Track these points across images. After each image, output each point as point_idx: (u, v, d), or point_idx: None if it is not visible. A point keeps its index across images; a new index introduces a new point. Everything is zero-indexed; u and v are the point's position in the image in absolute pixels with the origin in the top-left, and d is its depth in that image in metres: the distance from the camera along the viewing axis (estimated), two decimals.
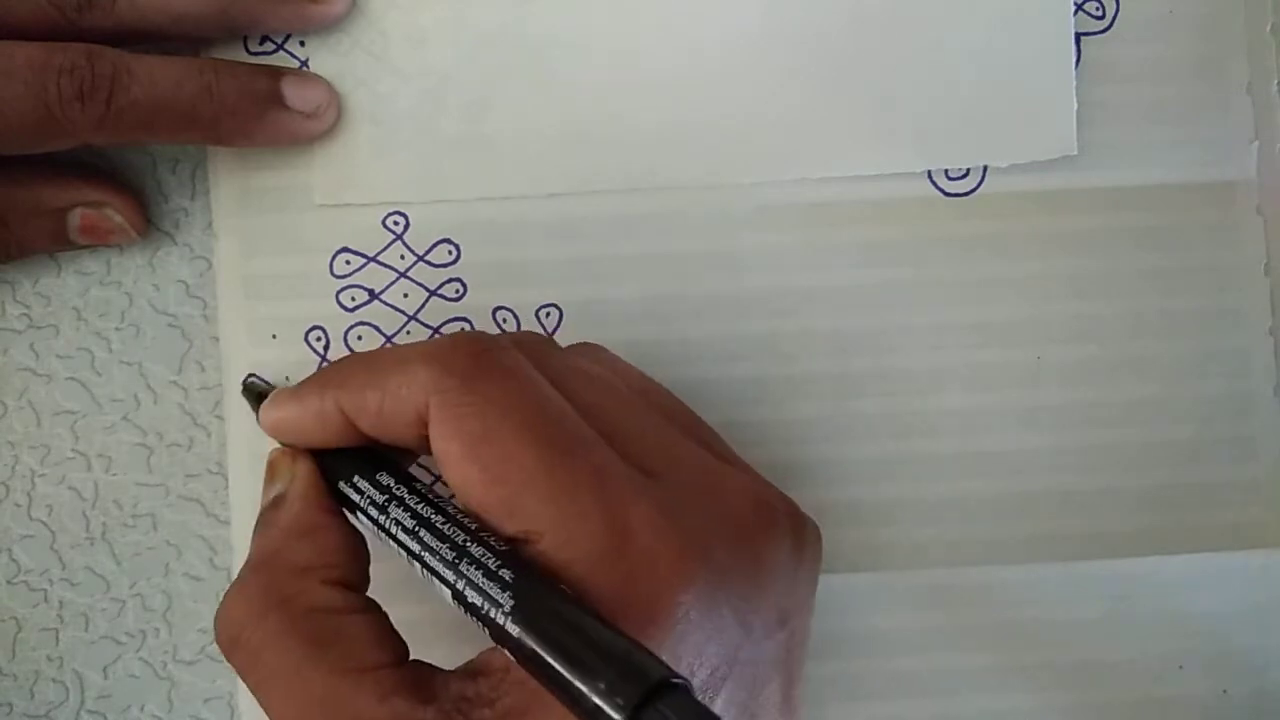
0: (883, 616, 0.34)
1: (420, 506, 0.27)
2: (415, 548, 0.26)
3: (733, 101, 0.34)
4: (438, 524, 0.26)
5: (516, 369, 0.27)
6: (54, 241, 0.33)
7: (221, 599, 0.27)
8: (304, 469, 0.28)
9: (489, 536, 0.25)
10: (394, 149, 0.34)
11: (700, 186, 0.34)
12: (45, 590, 0.34)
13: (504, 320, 0.34)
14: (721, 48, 0.34)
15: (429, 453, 0.27)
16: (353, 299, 0.34)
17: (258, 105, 0.32)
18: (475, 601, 0.25)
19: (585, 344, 0.31)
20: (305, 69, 0.33)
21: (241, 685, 0.33)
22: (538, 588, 0.24)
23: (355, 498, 0.28)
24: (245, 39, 0.33)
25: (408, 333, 0.34)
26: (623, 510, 0.25)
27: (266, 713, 0.26)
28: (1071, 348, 0.35)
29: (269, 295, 0.34)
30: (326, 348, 0.34)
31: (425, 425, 0.26)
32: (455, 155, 0.34)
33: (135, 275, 0.34)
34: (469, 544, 0.25)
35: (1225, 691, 0.35)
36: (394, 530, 0.27)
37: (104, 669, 0.34)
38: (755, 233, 0.34)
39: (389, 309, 0.34)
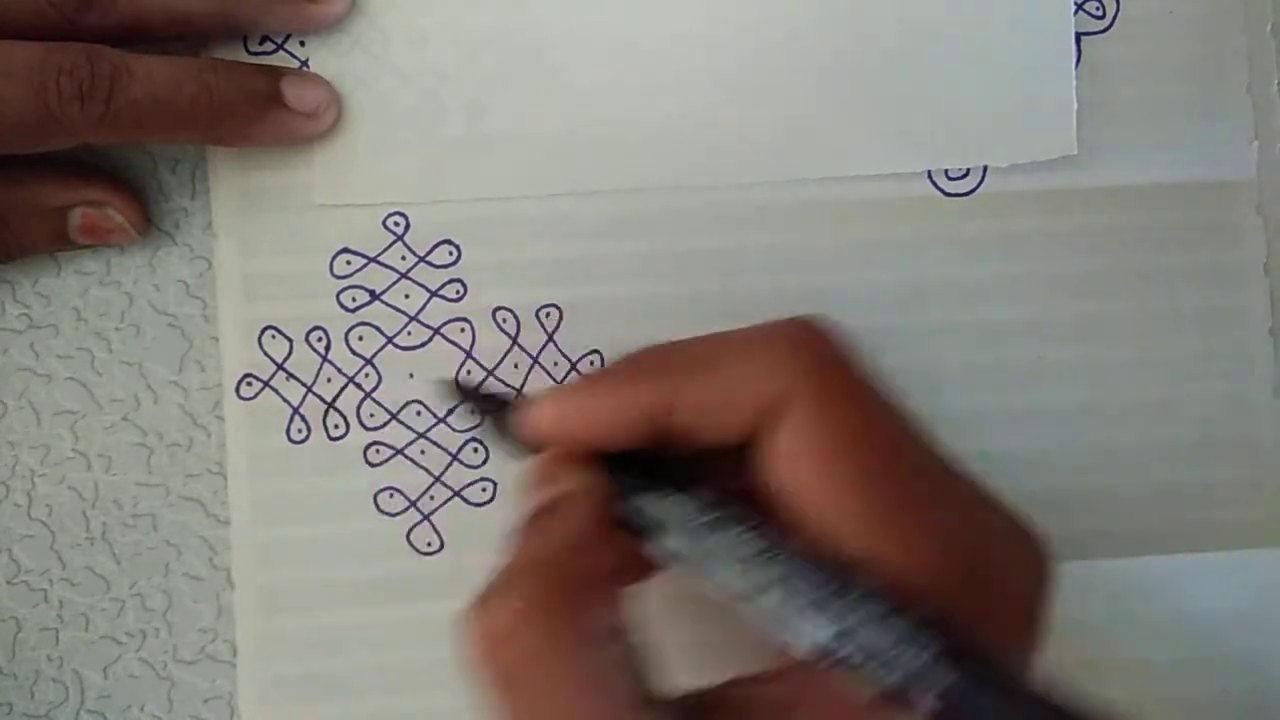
0: None
1: (757, 533, 0.23)
2: (771, 576, 0.23)
3: (732, 102, 0.34)
4: (803, 559, 0.23)
5: (870, 369, 0.25)
6: (54, 241, 0.33)
7: (475, 604, 0.24)
8: (587, 475, 0.25)
9: (881, 589, 0.23)
10: (394, 149, 0.34)
11: (700, 187, 0.34)
12: (45, 590, 0.34)
13: (504, 320, 0.34)
14: (721, 48, 0.34)
15: (722, 464, 0.25)
16: (353, 299, 0.34)
17: (257, 105, 0.32)
18: (859, 657, 0.22)
19: None
20: (305, 69, 0.33)
21: (242, 685, 0.33)
22: (975, 664, 0.22)
23: (659, 517, 0.25)
24: (245, 39, 0.33)
25: (408, 333, 0.34)
26: (981, 541, 0.24)
27: None
28: (1071, 348, 0.35)
29: (269, 295, 0.33)
30: (327, 348, 0.34)
31: (764, 418, 0.24)
32: (455, 156, 0.34)
33: (135, 275, 0.34)
34: (860, 595, 0.22)
35: (1225, 691, 0.35)
36: (743, 552, 0.23)
37: (104, 669, 0.33)
38: (755, 233, 0.34)
39: (389, 309, 0.34)
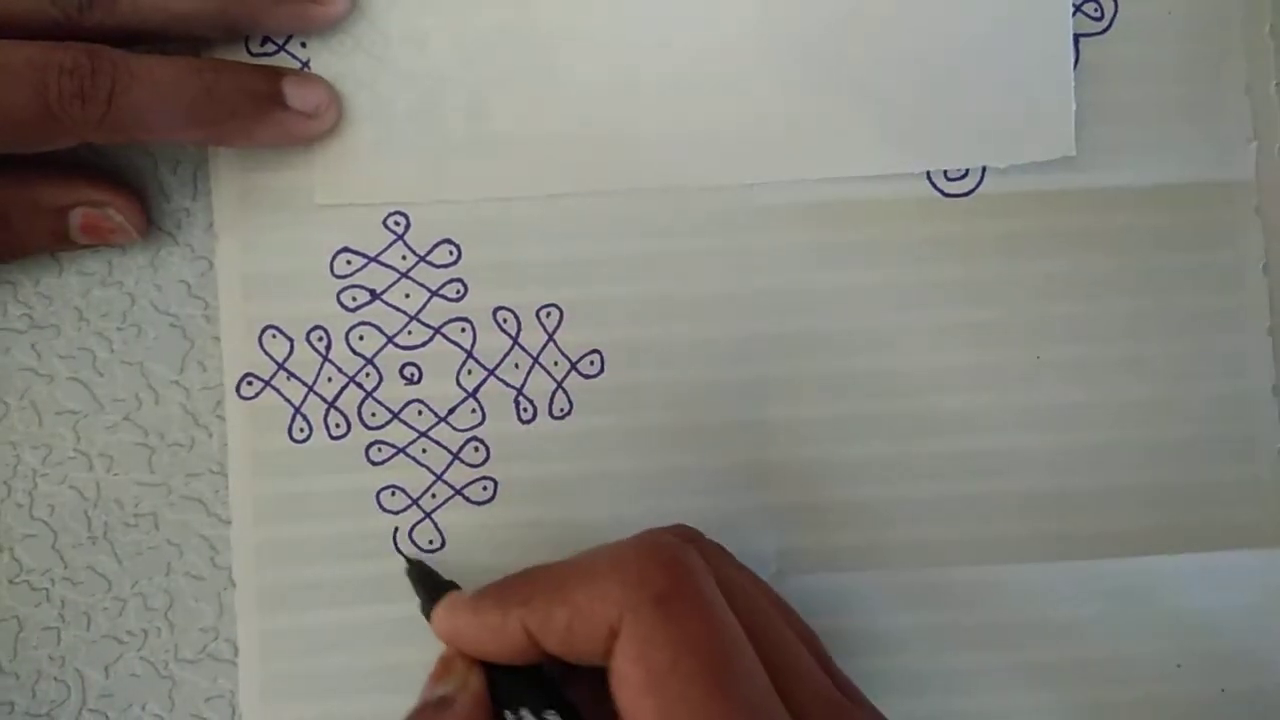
0: (882, 616, 0.34)
1: None
2: None
3: (732, 102, 0.34)
4: None
5: (711, 601, 0.26)
6: (55, 241, 0.33)
7: None
8: (475, 682, 0.28)
9: None
10: (395, 149, 0.34)
11: (700, 187, 0.34)
12: (47, 589, 0.34)
13: (504, 320, 0.34)
14: (721, 48, 0.34)
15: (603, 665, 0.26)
16: (354, 299, 0.34)
17: (258, 106, 0.32)
18: None
19: (719, 545, 0.31)
20: (306, 69, 0.34)
21: (243, 684, 0.33)
22: None
23: None
24: (246, 40, 0.33)
25: (409, 333, 0.34)
26: None
27: None
28: (1071, 348, 0.35)
29: (270, 295, 0.34)
30: (328, 348, 0.34)
31: (610, 643, 0.26)
32: (456, 156, 0.34)
33: (137, 275, 0.34)
34: None
35: (1223, 690, 0.35)
36: None
37: (105, 668, 0.34)
38: (755, 233, 0.34)
39: (390, 309, 0.34)
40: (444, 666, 0.29)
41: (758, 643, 0.26)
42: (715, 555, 0.29)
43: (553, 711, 0.27)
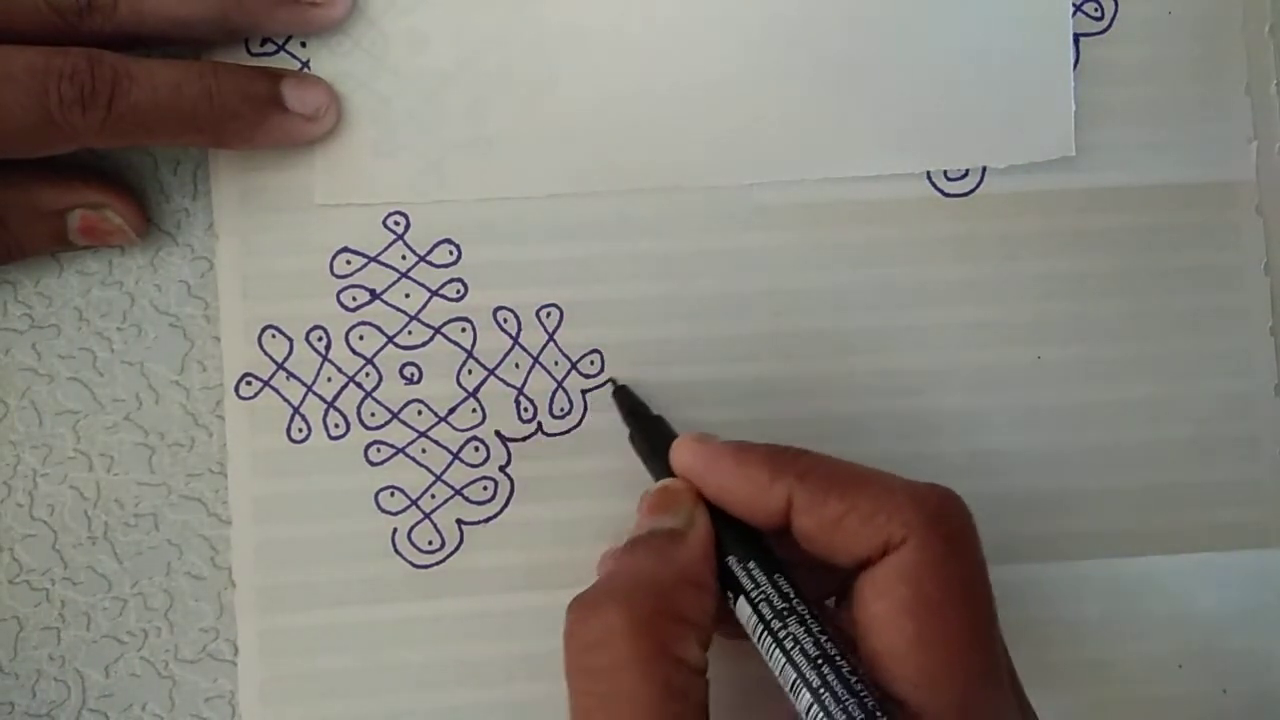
0: None
1: (821, 636, 0.26)
2: (813, 680, 0.26)
3: (731, 103, 0.34)
4: (838, 662, 0.26)
5: (985, 561, 0.27)
6: (54, 243, 0.33)
7: (596, 594, 0.26)
8: (704, 522, 0.28)
9: (893, 707, 0.25)
10: (395, 149, 0.34)
11: (700, 187, 0.34)
12: (47, 589, 0.34)
13: (504, 320, 0.34)
14: (720, 49, 0.34)
15: (807, 567, 0.27)
16: (354, 299, 0.34)
17: (258, 108, 0.32)
18: None
19: None
20: (306, 71, 0.34)
21: (243, 684, 0.33)
22: None
23: (748, 586, 0.27)
24: (246, 41, 0.33)
25: (409, 332, 0.34)
26: None
27: None
28: (1071, 348, 0.35)
29: (269, 295, 0.34)
30: (328, 347, 0.34)
31: (882, 556, 0.26)
32: (456, 156, 0.34)
33: (137, 275, 0.34)
34: (878, 712, 0.25)
35: (1225, 691, 0.35)
36: (789, 647, 0.26)
37: (105, 668, 0.34)
38: (755, 233, 0.34)
39: (390, 309, 0.34)
40: (668, 498, 0.28)
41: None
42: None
43: (783, 576, 0.27)
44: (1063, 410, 0.35)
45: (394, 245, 0.34)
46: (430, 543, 0.34)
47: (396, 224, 0.34)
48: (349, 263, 0.34)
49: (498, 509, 0.34)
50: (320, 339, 0.34)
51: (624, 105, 0.34)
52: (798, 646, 0.26)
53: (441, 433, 0.34)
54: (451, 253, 0.34)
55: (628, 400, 0.33)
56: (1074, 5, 0.35)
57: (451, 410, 0.34)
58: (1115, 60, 0.35)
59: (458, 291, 0.34)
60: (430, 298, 0.34)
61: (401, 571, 0.33)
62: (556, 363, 0.34)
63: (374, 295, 0.34)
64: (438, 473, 0.34)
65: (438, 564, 0.33)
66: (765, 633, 0.26)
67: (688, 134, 0.34)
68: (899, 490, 0.27)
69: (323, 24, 0.33)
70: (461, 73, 0.34)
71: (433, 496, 0.34)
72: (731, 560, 0.27)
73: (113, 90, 0.29)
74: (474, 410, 0.34)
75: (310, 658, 0.33)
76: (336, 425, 0.34)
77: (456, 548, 0.34)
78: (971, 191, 0.35)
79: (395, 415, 0.34)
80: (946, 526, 0.26)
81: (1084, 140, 0.35)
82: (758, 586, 0.27)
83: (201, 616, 0.34)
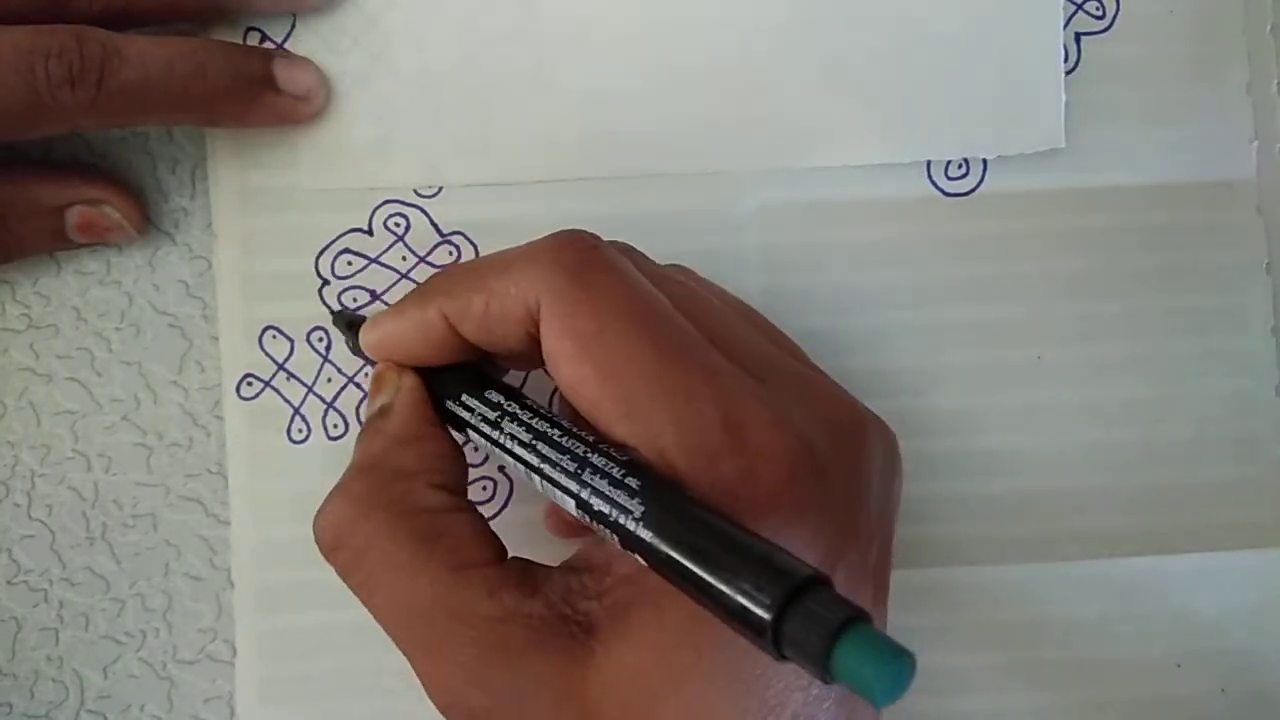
0: None
1: (534, 421, 0.27)
2: (534, 461, 0.26)
3: (724, 93, 0.34)
4: (555, 437, 0.26)
5: (625, 268, 0.27)
6: (53, 240, 0.33)
7: (324, 503, 0.27)
8: (410, 381, 0.29)
9: (608, 447, 0.25)
10: (394, 149, 0.34)
11: (695, 173, 0.34)
12: (45, 590, 0.34)
13: None
14: (717, 42, 0.34)
15: (533, 365, 0.27)
16: (354, 299, 0.34)
17: (250, 87, 0.32)
18: (603, 510, 0.24)
19: (676, 265, 0.31)
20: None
21: (241, 685, 0.33)
22: (665, 493, 0.24)
23: (466, 415, 0.28)
24: (244, 35, 0.33)
25: None
26: (736, 409, 0.25)
27: (372, 612, 0.27)
28: (1071, 348, 0.35)
29: (269, 295, 0.33)
30: (328, 348, 0.34)
31: (535, 325, 0.26)
32: (456, 155, 0.34)
33: (135, 275, 0.34)
34: (590, 454, 0.25)
35: (1224, 690, 0.35)
36: (510, 445, 0.27)
37: (104, 669, 0.33)
38: (755, 233, 0.34)
39: None
40: (377, 382, 0.29)
41: (687, 314, 0.27)
42: (633, 252, 0.30)
43: (493, 390, 0.28)
44: (1063, 410, 0.35)
45: (394, 246, 0.34)
46: None
47: (396, 224, 0.34)
48: (349, 263, 0.34)
49: (497, 509, 0.34)
50: (321, 339, 0.34)
51: (622, 101, 0.34)
52: (515, 441, 0.27)
53: None
54: (451, 253, 0.34)
55: (345, 318, 0.32)
56: (1075, 4, 0.35)
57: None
58: (1117, 59, 0.35)
59: None
60: None
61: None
62: None
63: (374, 296, 0.34)
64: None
65: None
66: (492, 445, 0.27)
67: (684, 125, 0.34)
68: (519, 257, 0.27)
69: (312, 4, 0.33)
70: (461, 71, 0.34)
71: None
72: (449, 403, 0.28)
73: (102, 68, 0.29)
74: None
75: (309, 659, 0.33)
76: (336, 426, 0.33)
77: None
78: (972, 191, 0.35)
79: None
80: (566, 266, 0.26)
81: (1085, 139, 0.35)
82: (472, 411, 0.28)
83: (200, 617, 0.34)
